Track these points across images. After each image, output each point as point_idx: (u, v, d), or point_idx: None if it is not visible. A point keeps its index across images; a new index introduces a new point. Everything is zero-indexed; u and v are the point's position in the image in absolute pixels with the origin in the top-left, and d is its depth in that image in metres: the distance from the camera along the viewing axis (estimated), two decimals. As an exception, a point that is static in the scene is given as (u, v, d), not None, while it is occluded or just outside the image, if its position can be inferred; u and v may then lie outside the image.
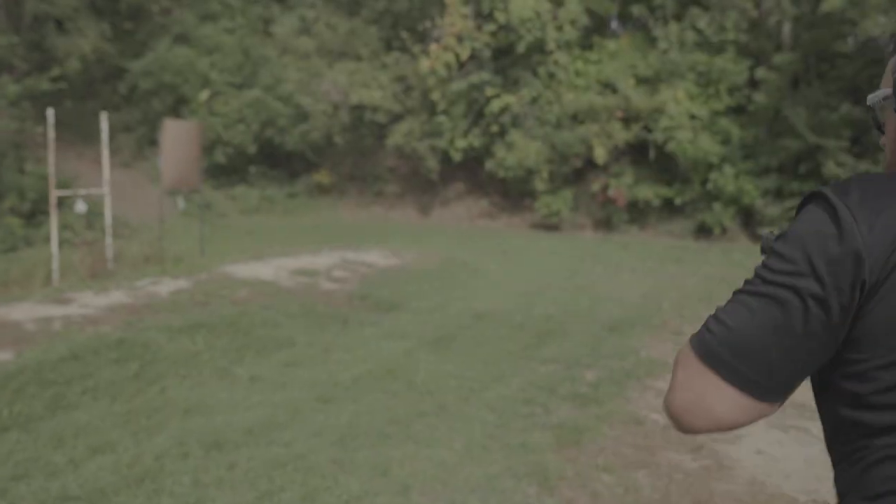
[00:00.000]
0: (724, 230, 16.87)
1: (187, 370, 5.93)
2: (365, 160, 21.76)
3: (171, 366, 5.93)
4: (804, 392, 4.42)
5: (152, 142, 20.30)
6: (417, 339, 7.25)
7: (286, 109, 18.95)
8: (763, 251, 1.14)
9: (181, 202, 10.83)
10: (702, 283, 10.85)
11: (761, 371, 1.06)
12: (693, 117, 16.76)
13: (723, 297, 4.88)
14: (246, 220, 18.73)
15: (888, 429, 1.02)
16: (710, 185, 16.70)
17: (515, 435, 4.85)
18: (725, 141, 16.79)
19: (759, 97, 16.50)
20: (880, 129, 1.22)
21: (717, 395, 1.08)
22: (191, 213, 18.34)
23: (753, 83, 17.06)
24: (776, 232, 1.15)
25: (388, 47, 19.87)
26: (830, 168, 15.37)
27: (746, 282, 1.11)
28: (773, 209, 16.43)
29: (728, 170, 16.49)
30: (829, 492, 4.26)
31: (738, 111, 17.40)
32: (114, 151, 19.77)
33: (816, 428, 5.27)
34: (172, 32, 19.77)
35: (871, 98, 1.21)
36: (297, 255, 10.76)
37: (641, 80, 17.66)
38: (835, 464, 1.13)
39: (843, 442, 1.10)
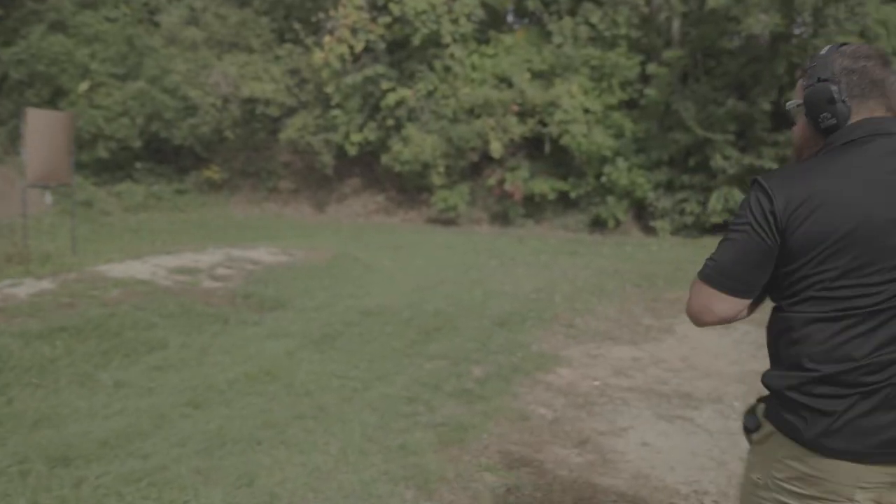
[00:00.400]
0: (617, 223, 17.10)
1: (42, 378, 5.42)
2: (258, 155, 21.12)
3: (23, 374, 5.41)
4: (691, 382, 4.29)
5: (27, 136, 19.19)
6: (301, 339, 6.92)
7: (173, 102, 18.10)
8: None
9: (48, 197, 10.01)
10: (594, 276, 10.88)
11: (737, 279, 1.84)
12: (587, 111, 16.93)
13: (614, 289, 4.74)
14: (131, 217, 17.84)
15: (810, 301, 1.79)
16: (604, 179, 16.89)
17: (396, 436, 4.61)
18: (619, 135, 17.02)
19: (651, 92, 16.79)
20: (793, 123, 1.99)
21: (715, 300, 1.87)
22: (67, 210, 17.35)
23: (645, 78, 17.36)
24: None
25: (281, 39, 19.27)
26: (718, 161, 15.78)
27: (724, 235, 1.88)
28: (664, 202, 16.77)
29: (621, 163, 16.73)
30: (711, 482, 4.19)
31: (630, 105, 17.68)
32: (-17, 146, 18.52)
33: (701, 418, 5.24)
34: (48, 20, 18.62)
35: (789, 105, 1.96)
36: (180, 253, 10.21)
37: (536, 75, 17.72)
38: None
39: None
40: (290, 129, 18.43)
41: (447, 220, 18.48)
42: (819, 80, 1.85)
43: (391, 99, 17.67)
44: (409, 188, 19.51)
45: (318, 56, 17.22)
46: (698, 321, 1.91)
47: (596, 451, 4.61)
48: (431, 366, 6.23)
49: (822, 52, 1.91)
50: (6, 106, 18.95)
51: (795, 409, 1.78)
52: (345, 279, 9.88)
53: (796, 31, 16.08)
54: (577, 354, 6.86)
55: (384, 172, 19.69)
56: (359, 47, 17.06)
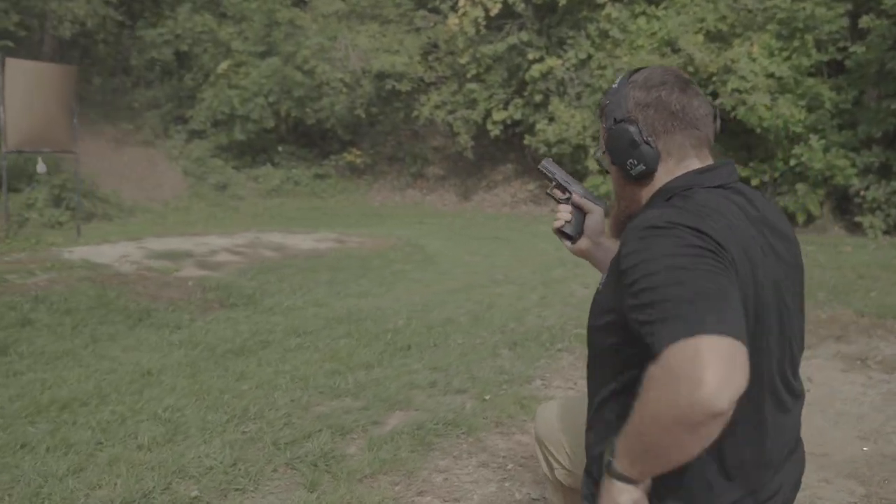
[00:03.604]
0: (810, 217, 13.51)
1: None
2: (412, 139, 19.49)
3: None
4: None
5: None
6: (204, 350, 4.97)
7: (306, 79, 16.85)
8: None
9: (42, 166, 8.90)
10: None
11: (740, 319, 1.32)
12: (771, 77, 13.47)
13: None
14: (261, 203, 16.94)
15: None
16: (793, 162, 13.37)
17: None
18: (814, 106, 13.40)
19: (860, 50, 13.03)
20: (606, 171, 1.72)
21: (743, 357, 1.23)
22: (198, 193, 16.76)
23: (855, 33, 13.57)
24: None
25: (420, 5, 17.38)
26: (951, 138, 11.83)
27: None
28: (876, 191, 12.96)
29: (816, 142, 13.14)
30: None
31: (833, 68, 13.94)
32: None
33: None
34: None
35: (595, 153, 1.76)
36: (204, 235, 8.68)
37: (713, 37, 14.48)
38: None
39: None
40: (426, 107, 16.55)
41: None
42: (616, 121, 1.64)
43: (536, 70, 15.25)
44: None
45: (451, 21, 15.18)
46: (728, 402, 1.13)
47: None
48: (327, 408, 4.01)
49: (615, 85, 1.68)
50: (147, 92, 18.90)
51: None
52: (374, 273, 7.79)
53: None
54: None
55: (537, 157, 17.29)
56: (495, 9, 14.80)
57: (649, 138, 1.59)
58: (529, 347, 5.25)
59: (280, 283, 6.93)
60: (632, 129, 1.59)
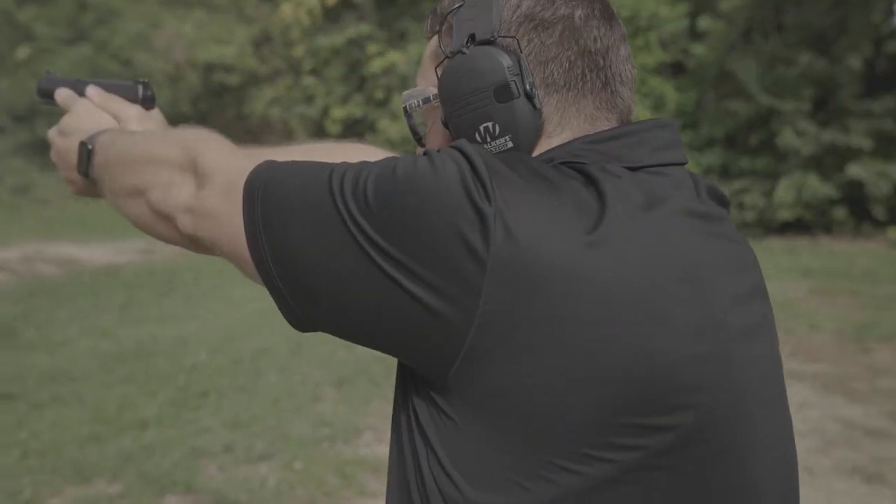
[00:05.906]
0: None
1: None
2: (246, 138, 18.08)
3: None
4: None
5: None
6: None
7: (123, 71, 15.20)
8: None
9: None
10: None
11: None
12: (616, 76, 13.21)
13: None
14: (72, 207, 15.04)
15: None
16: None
17: None
18: (658, 105, 13.26)
19: (701, 50, 13.00)
20: (419, 140, 0.89)
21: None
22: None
23: (695, 34, 13.57)
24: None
25: (250, -7, 16.14)
26: (788, 138, 11.92)
27: None
28: (718, 192, 12.97)
29: (661, 143, 12.99)
30: None
31: (675, 69, 13.90)
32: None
33: None
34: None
35: (408, 97, 0.87)
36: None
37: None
38: None
39: None
40: (259, 102, 15.27)
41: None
42: (473, 40, 0.78)
43: (377, 65, 14.34)
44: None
45: (285, 10, 14.00)
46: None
47: None
48: (62, 501, 2.87)
49: None
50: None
51: None
52: (181, 292, 6.59)
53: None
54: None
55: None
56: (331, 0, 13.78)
57: (534, 89, 0.76)
58: (359, 385, 4.29)
59: (55, 310, 5.61)
60: (505, 61, 0.76)
